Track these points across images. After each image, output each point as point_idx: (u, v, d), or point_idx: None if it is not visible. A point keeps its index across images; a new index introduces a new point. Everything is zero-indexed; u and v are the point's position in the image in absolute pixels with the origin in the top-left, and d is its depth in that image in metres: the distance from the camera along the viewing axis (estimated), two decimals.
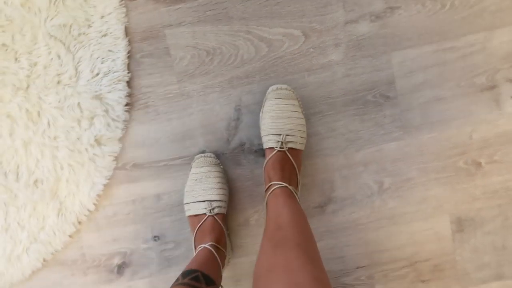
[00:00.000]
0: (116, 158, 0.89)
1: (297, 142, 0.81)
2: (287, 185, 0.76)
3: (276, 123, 0.80)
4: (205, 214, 0.82)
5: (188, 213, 0.85)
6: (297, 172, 0.81)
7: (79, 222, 0.91)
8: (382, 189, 0.89)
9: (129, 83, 0.86)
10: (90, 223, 0.91)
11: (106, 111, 0.85)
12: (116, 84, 0.84)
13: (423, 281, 0.93)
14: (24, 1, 0.81)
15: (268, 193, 0.77)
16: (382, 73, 0.86)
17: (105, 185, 0.89)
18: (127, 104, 0.86)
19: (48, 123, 0.85)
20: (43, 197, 0.87)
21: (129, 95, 0.86)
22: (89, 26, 0.83)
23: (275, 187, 0.76)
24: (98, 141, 0.87)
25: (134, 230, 0.92)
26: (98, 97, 0.85)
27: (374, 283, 0.93)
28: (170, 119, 0.88)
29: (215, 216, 0.82)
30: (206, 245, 0.78)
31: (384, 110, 0.87)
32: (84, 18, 0.82)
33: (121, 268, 0.93)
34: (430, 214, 0.90)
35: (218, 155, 0.88)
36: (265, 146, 0.82)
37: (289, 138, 0.80)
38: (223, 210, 0.84)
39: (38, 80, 0.84)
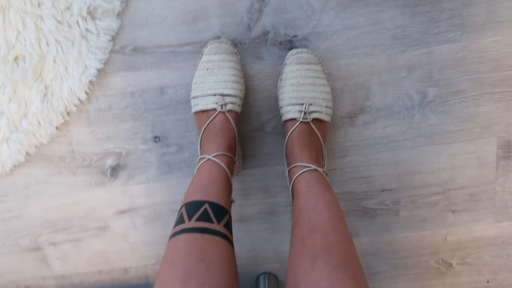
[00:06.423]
0: (113, 38, 0.74)
1: (323, 112, 0.69)
2: (317, 168, 0.64)
3: (297, 91, 0.69)
4: (215, 109, 0.69)
5: (195, 109, 0.71)
6: (323, 147, 0.69)
7: (68, 113, 0.78)
8: (424, 101, 0.76)
9: None
10: (81, 116, 0.78)
11: None
12: None
13: (454, 211, 0.83)
14: None
15: (295, 177, 0.64)
16: None
17: (100, 71, 0.75)
18: None
19: None
20: (25, 77, 0.73)
21: None
22: None
23: (303, 170, 0.63)
24: (91, 14, 0.71)
25: (131, 128, 0.79)
26: None
27: (399, 209, 0.83)
28: None
29: (227, 113, 0.69)
30: (212, 158, 0.65)
31: (443, 2, 0.71)
32: None
33: (114, 171, 0.82)
34: (476, 135, 0.78)
35: (235, 44, 0.74)
36: (285, 118, 0.70)
37: (313, 108, 0.68)
38: (237, 108, 0.70)
39: None
